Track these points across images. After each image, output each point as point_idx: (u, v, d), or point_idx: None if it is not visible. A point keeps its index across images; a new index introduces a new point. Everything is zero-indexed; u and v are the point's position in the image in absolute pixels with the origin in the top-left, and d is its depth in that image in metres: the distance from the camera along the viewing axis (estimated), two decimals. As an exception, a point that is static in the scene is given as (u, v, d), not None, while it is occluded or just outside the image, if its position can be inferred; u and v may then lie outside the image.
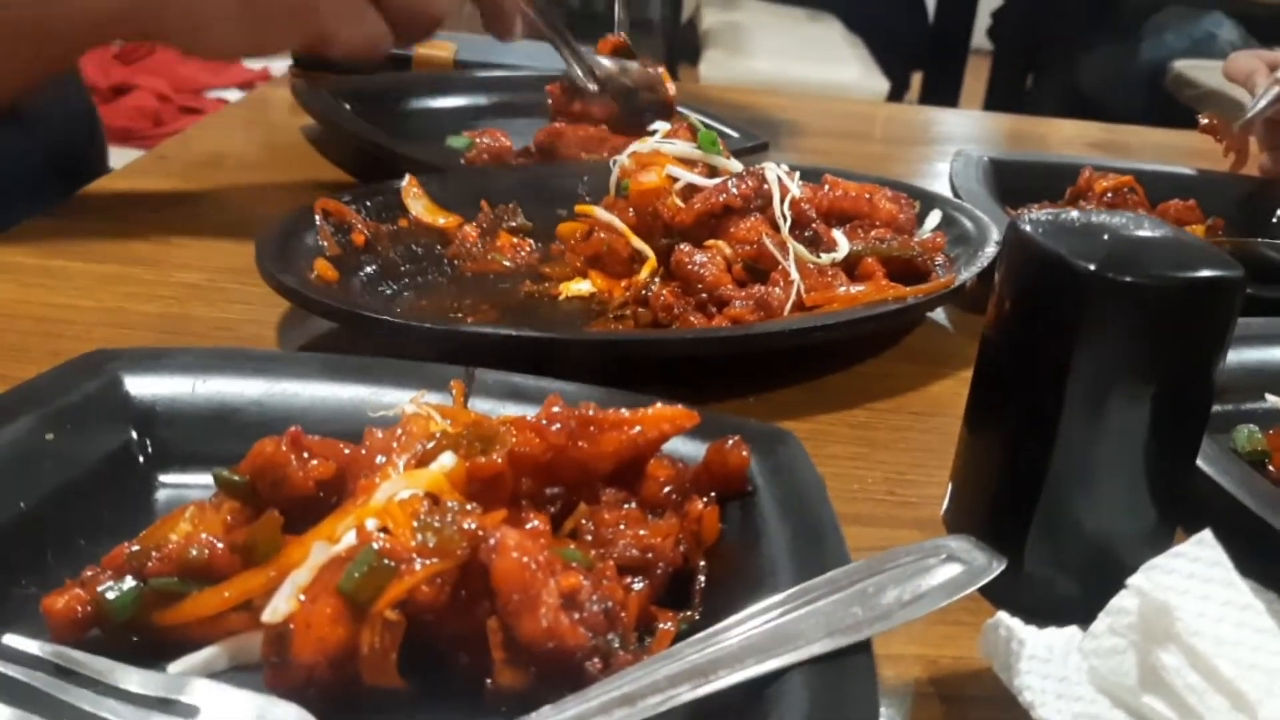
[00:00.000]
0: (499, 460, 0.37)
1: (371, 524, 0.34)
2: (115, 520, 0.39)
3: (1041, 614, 0.37)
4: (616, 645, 0.34)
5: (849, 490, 0.48)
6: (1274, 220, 0.84)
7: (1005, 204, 0.78)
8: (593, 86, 0.83)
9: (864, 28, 3.46)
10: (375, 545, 0.33)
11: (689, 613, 0.37)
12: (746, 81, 2.39)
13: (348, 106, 0.90)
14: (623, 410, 0.40)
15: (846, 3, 3.57)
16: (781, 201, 0.62)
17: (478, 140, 0.82)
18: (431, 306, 0.61)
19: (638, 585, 0.37)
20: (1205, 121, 0.87)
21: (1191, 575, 0.34)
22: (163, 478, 0.42)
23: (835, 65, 2.99)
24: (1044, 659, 0.35)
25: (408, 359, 0.47)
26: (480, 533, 0.33)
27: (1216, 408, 0.53)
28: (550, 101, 0.86)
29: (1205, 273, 0.37)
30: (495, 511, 0.35)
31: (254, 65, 2.14)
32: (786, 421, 0.53)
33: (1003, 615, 0.37)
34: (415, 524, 0.34)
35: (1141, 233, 0.39)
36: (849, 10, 3.54)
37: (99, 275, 0.62)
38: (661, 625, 0.37)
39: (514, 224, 0.70)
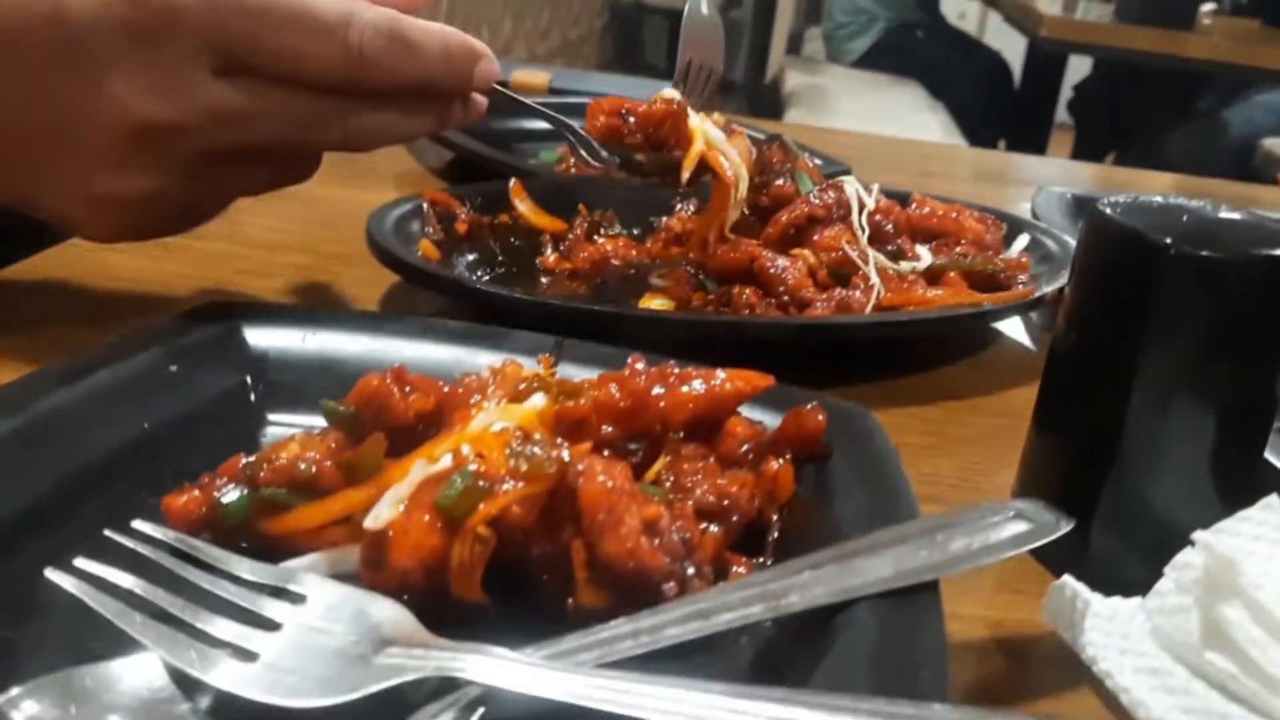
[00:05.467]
0: (585, 404, 0.39)
1: (467, 449, 0.36)
2: (227, 450, 0.42)
3: (1106, 590, 0.38)
4: (692, 573, 0.36)
5: (921, 474, 0.49)
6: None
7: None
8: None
9: (948, 95, 3.48)
10: (471, 467, 0.35)
11: (762, 560, 0.39)
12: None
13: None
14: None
15: (930, 69, 3.60)
16: (860, 213, 0.64)
17: (566, 155, 0.85)
18: (526, 291, 0.64)
19: (713, 530, 0.39)
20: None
21: (1258, 537, 0.34)
22: (272, 416, 0.45)
23: (917, 128, 3.01)
24: (1108, 618, 0.36)
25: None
26: (570, 461, 0.35)
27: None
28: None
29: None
30: (584, 444, 0.37)
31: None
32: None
33: (1068, 578, 0.38)
34: (508, 451, 0.36)
35: (1220, 214, 0.40)
36: (933, 77, 3.56)
37: (210, 253, 0.65)
38: (735, 569, 0.38)
39: (613, 230, 0.73)
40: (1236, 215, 0.40)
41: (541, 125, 1.04)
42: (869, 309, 0.61)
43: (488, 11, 3.79)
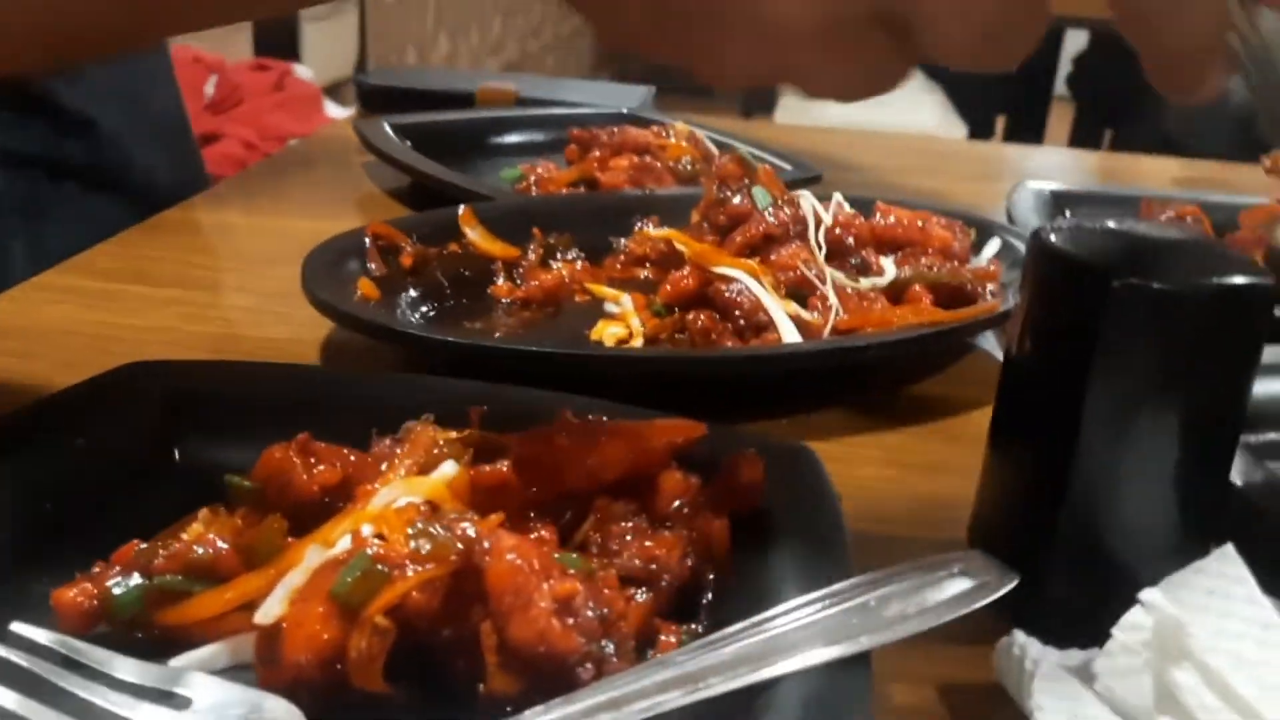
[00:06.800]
0: (503, 468, 0.37)
1: (367, 530, 0.34)
2: (140, 524, 0.40)
3: (1063, 636, 0.36)
4: (610, 652, 0.33)
5: (874, 513, 0.47)
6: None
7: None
8: None
9: (943, 74, 3.44)
10: (369, 551, 0.33)
11: (694, 626, 0.37)
12: (825, 128, 2.38)
13: (409, 143, 0.92)
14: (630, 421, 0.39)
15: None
16: (816, 229, 0.62)
17: (528, 172, 0.83)
18: (473, 327, 0.61)
19: (641, 596, 0.37)
20: (1269, 163, 0.84)
21: (1212, 591, 0.32)
22: (189, 485, 0.43)
23: (911, 112, 2.98)
24: (1058, 679, 0.33)
25: (441, 375, 0.47)
26: (475, 538, 0.33)
27: None
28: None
29: (1232, 279, 0.35)
30: (494, 518, 0.35)
31: (336, 113, 2.20)
32: (818, 443, 0.52)
33: (1018, 634, 0.35)
34: (410, 530, 0.34)
35: (1169, 238, 0.38)
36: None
37: (156, 298, 0.64)
38: (664, 637, 0.36)
39: (570, 255, 0.71)
40: (1185, 238, 0.38)
41: (511, 139, 1.04)
42: (827, 330, 0.59)
43: (477, 10, 3.78)
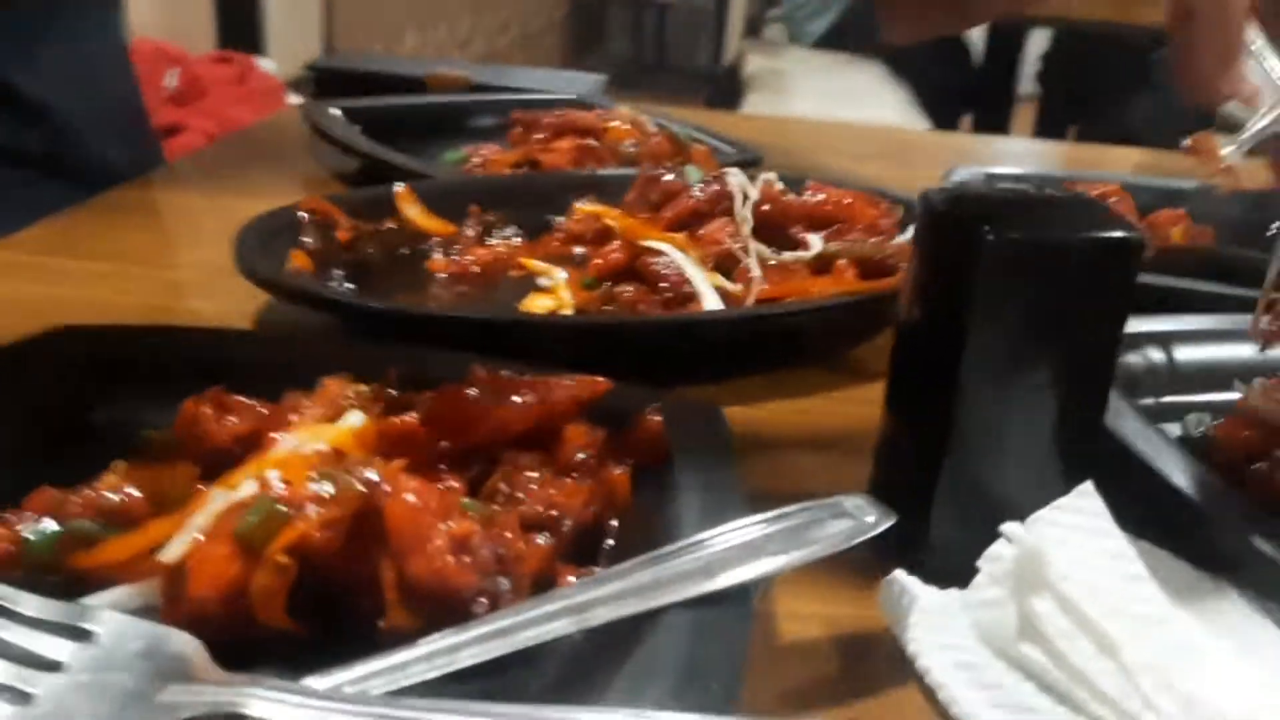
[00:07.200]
0: (411, 420, 0.38)
1: (273, 475, 0.35)
2: (60, 482, 0.41)
3: (949, 577, 0.37)
4: (507, 589, 0.35)
5: (787, 468, 0.49)
6: (1269, 234, 0.83)
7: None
8: None
9: (909, 73, 3.47)
10: (274, 493, 0.34)
11: (592, 569, 0.38)
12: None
13: (359, 128, 0.93)
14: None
15: (891, 49, 3.58)
16: (743, 204, 0.64)
17: (471, 154, 0.85)
18: (403, 299, 0.63)
19: (543, 540, 0.38)
20: (1190, 143, 0.86)
21: (1073, 526, 0.34)
22: (109, 444, 0.44)
23: (875, 109, 3.01)
24: (933, 613, 0.35)
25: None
26: (377, 481, 0.35)
27: (1177, 398, 0.54)
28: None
29: (1102, 233, 0.37)
30: (397, 463, 0.36)
31: (297, 102, 2.20)
32: (740, 407, 0.54)
33: (899, 573, 0.37)
34: (313, 474, 0.35)
35: (1048, 197, 0.40)
36: (895, 57, 3.55)
37: (93, 272, 0.65)
38: (566, 578, 0.37)
39: (506, 232, 0.72)
40: (1065, 197, 0.40)
41: (461, 124, 1.05)
42: (750, 301, 0.60)
43: (445, 5, 3.77)
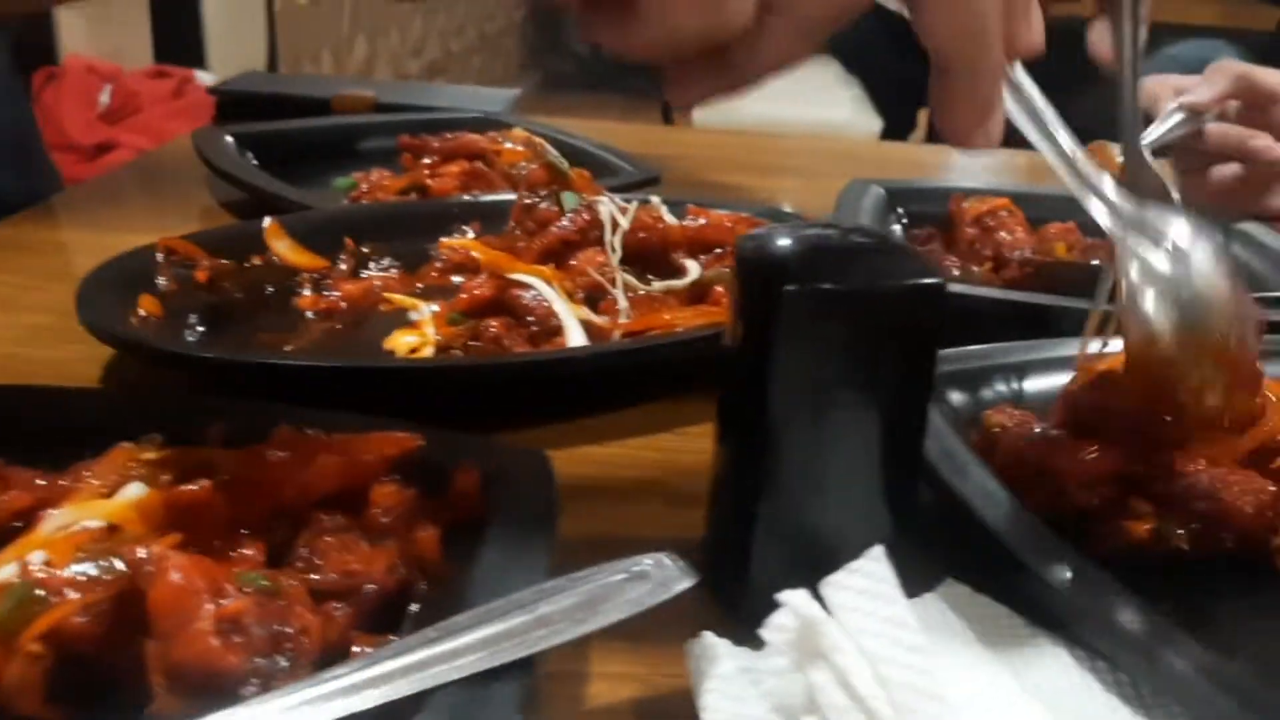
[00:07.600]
0: (200, 488, 0.37)
1: (37, 556, 0.34)
2: None
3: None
4: (284, 667, 0.33)
5: (617, 517, 0.48)
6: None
7: (909, 233, 0.78)
8: None
9: (868, 70, 3.46)
10: (32, 577, 0.33)
11: (391, 637, 0.37)
12: (739, 124, 2.40)
13: (251, 155, 0.92)
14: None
15: (846, 45, 3.57)
16: (613, 233, 0.62)
17: (361, 180, 0.83)
18: (262, 342, 0.61)
19: (339, 610, 0.37)
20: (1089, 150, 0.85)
21: (860, 590, 0.33)
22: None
23: (827, 106, 3.00)
24: (729, 678, 0.34)
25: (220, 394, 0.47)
26: (143, 560, 0.33)
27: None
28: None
29: (900, 280, 0.36)
30: (169, 538, 0.35)
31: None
32: (590, 447, 0.52)
33: (706, 635, 0.36)
34: (80, 554, 0.33)
35: (854, 244, 0.39)
36: (849, 53, 3.54)
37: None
38: (356, 649, 0.36)
39: (383, 263, 0.71)
40: (871, 243, 0.39)
41: (362, 147, 1.04)
42: (616, 334, 0.59)
43: (396, 10, 3.74)
